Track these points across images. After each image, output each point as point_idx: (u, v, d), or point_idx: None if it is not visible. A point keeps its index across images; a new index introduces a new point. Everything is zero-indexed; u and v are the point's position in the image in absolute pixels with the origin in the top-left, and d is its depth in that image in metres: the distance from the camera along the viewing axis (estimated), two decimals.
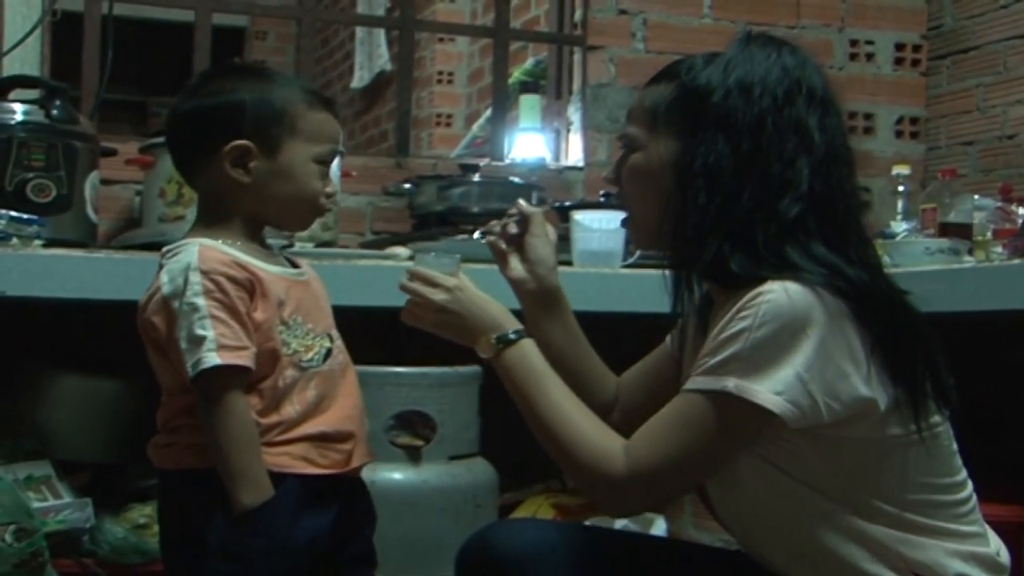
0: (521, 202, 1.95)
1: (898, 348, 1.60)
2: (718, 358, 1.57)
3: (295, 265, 1.88)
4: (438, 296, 1.80)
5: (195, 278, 1.69)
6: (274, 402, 1.75)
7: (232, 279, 1.71)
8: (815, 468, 1.62)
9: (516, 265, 1.93)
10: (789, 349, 1.54)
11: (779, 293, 1.55)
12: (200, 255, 1.72)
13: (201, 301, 1.68)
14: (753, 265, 1.60)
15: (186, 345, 1.68)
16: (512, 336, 1.77)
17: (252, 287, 1.73)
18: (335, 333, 1.86)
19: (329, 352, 1.82)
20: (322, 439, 1.78)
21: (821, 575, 1.65)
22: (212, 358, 1.66)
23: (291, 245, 2.36)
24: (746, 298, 1.57)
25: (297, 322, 1.78)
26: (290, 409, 1.76)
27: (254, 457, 1.70)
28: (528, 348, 1.77)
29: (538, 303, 1.94)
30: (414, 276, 1.83)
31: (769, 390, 1.54)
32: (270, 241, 1.88)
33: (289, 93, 1.81)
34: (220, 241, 1.77)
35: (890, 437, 1.61)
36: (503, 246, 1.95)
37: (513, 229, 1.93)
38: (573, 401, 1.72)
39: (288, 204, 1.81)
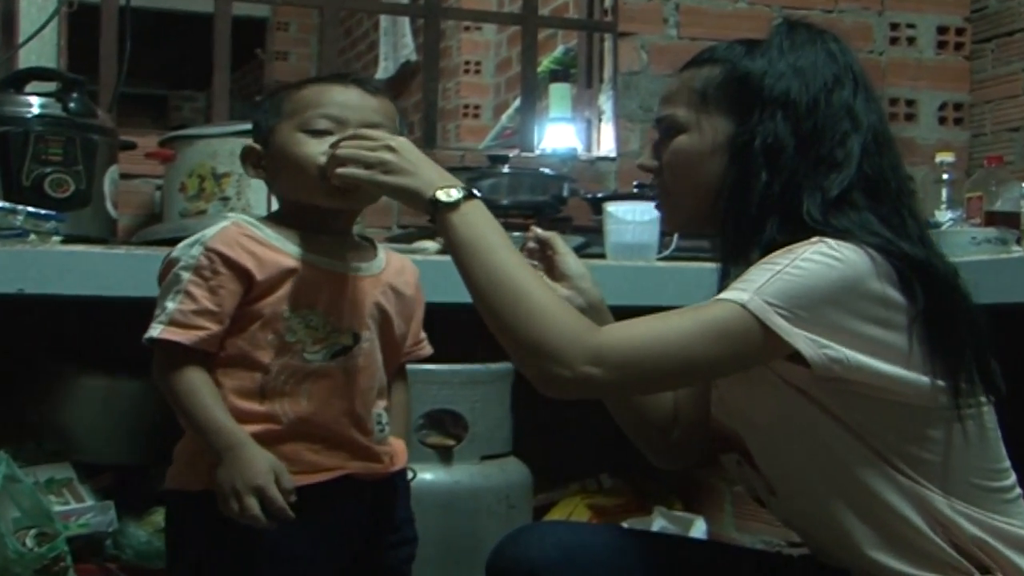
0: (536, 228, 1.91)
1: (944, 326, 1.58)
2: (747, 276, 1.55)
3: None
4: (393, 141, 1.69)
5: (196, 251, 1.73)
6: (264, 392, 1.74)
7: (227, 260, 1.71)
8: (862, 419, 1.59)
9: (555, 287, 1.85)
10: (827, 292, 1.52)
11: (830, 242, 1.55)
12: (220, 232, 1.74)
13: (186, 275, 1.71)
14: (801, 232, 1.58)
15: (156, 310, 1.72)
16: (471, 190, 1.67)
17: (248, 277, 1.72)
18: (366, 334, 1.81)
19: (345, 350, 1.78)
20: (309, 439, 1.75)
21: (863, 518, 1.61)
22: (155, 329, 1.70)
23: None
24: (796, 244, 1.56)
25: (310, 313, 1.75)
26: (281, 404, 1.74)
27: (213, 412, 1.69)
28: (483, 206, 1.67)
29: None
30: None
31: (792, 321, 1.50)
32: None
33: (284, 86, 1.84)
34: (258, 220, 1.80)
35: (929, 408, 1.58)
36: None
37: (532, 245, 1.88)
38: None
39: (291, 178, 1.80)
